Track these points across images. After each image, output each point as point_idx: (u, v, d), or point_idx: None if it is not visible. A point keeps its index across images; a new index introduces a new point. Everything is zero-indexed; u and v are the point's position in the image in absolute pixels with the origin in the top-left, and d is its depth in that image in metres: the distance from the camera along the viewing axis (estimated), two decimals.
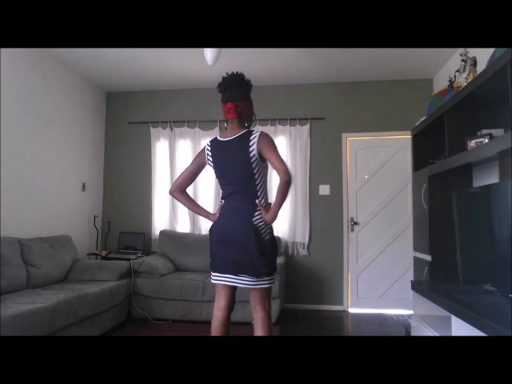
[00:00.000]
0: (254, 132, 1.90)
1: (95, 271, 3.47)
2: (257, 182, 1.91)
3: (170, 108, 4.64)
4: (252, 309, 1.94)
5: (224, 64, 3.81)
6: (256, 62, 3.83)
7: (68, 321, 2.65)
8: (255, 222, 1.86)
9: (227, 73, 1.96)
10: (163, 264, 3.84)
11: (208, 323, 3.47)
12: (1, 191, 3.11)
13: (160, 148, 4.59)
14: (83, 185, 4.30)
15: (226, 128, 2.03)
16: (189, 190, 4.40)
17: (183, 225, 4.48)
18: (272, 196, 3.54)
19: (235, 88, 1.93)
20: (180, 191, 2.04)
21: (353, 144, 4.32)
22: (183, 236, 4.26)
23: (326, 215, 4.26)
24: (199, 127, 4.52)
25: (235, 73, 1.96)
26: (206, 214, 2.06)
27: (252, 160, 1.87)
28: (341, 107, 4.36)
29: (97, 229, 4.53)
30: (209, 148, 2.01)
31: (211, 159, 2.00)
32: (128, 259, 3.79)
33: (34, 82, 3.52)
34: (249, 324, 3.39)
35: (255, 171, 1.89)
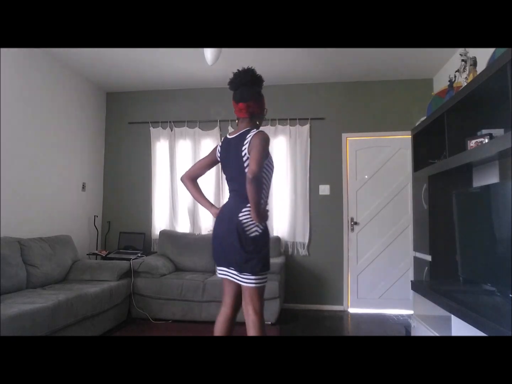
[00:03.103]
0: (252, 131, 1.85)
1: (95, 271, 3.48)
2: None
3: (170, 108, 4.64)
4: (243, 310, 1.87)
5: (224, 64, 3.81)
6: (256, 62, 3.82)
7: (68, 321, 2.65)
8: (241, 218, 1.81)
9: (238, 70, 1.92)
10: (163, 264, 3.84)
11: (208, 323, 3.49)
12: (1, 191, 3.11)
13: (160, 148, 4.59)
14: (83, 185, 4.30)
15: (237, 125, 2.00)
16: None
17: (183, 225, 4.48)
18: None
19: (247, 88, 1.90)
20: (190, 178, 2.05)
21: (353, 144, 4.32)
22: (183, 236, 4.25)
23: (326, 215, 4.25)
24: (199, 127, 4.52)
25: (246, 69, 1.91)
26: (209, 205, 2.04)
27: (244, 158, 1.83)
28: (341, 107, 4.36)
29: (97, 229, 4.53)
30: (220, 144, 2.03)
31: (219, 155, 2.03)
32: (128, 259, 3.79)
33: (34, 82, 3.51)
34: None
35: (247, 170, 1.82)
